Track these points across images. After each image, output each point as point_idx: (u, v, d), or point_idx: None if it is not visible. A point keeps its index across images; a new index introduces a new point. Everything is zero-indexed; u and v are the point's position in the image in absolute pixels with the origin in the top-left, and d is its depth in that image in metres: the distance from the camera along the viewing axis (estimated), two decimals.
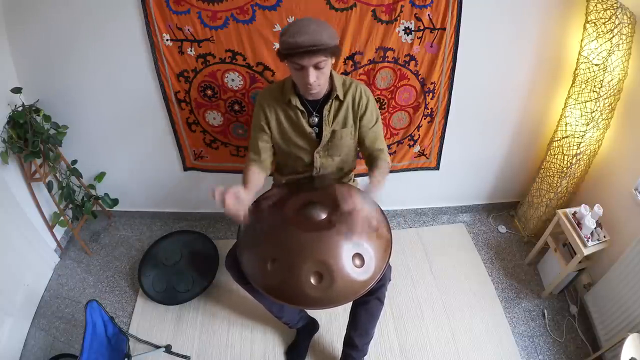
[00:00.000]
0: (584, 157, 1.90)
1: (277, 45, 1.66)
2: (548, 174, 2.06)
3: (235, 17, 1.59)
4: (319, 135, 1.44)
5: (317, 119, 1.42)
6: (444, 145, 2.11)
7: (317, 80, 1.25)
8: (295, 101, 1.38)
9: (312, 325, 1.86)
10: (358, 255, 1.19)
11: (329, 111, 1.41)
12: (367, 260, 1.20)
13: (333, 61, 1.30)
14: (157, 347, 1.79)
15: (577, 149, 1.84)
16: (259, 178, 1.41)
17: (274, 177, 1.71)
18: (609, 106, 1.75)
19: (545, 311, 2.00)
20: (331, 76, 1.36)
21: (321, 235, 1.19)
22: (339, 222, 1.21)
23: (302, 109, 1.39)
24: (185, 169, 2.16)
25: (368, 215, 1.16)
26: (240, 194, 1.18)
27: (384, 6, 1.59)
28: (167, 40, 1.65)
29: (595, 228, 1.78)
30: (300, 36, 1.15)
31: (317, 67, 1.22)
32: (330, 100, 1.39)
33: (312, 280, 1.15)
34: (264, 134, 1.44)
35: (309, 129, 1.42)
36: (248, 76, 1.75)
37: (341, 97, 1.39)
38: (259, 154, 1.45)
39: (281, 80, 1.45)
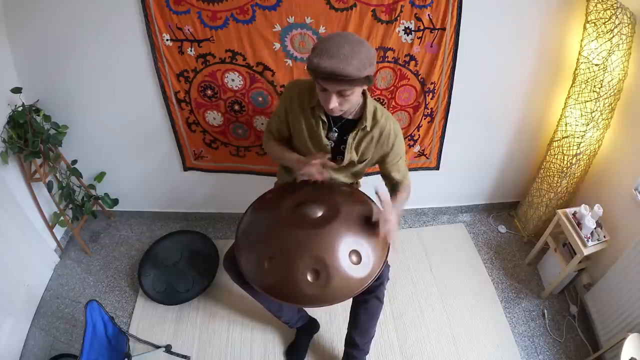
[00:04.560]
0: (584, 157, 1.90)
1: (277, 46, 1.66)
2: (548, 174, 2.06)
3: (235, 17, 1.59)
4: (334, 149, 1.40)
5: (335, 135, 1.36)
6: (444, 145, 2.11)
7: (340, 106, 1.19)
8: (320, 111, 1.31)
9: (312, 325, 1.86)
10: (355, 252, 1.19)
11: (354, 139, 1.35)
12: (364, 258, 1.19)
13: (365, 87, 1.23)
14: (157, 347, 1.79)
15: (577, 149, 1.84)
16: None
17: (277, 176, 1.70)
18: (609, 106, 1.75)
19: (545, 311, 2.00)
20: (365, 103, 1.30)
21: (317, 233, 1.19)
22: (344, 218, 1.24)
23: (324, 119, 1.33)
24: (185, 169, 2.16)
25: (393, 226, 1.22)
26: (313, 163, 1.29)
27: (384, 6, 1.59)
28: (167, 40, 1.65)
29: (595, 228, 1.78)
30: (325, 59, 1.05)
31: (340, 94, 1.15)
32: (357, 130, 1.33)
33: (309, 277, 1.15)
34: (284, 124, 1.43)
35: (325, 141, 1.36)
36: (248, 76, 1.75)
37: (368, 129, 1.33)
38: (276, 138, 1.48)
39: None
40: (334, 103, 1.16)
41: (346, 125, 1.35)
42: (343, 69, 1.05)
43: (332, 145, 1.39)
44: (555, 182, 2.00)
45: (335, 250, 1.17)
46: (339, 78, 1.07)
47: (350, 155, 1.38)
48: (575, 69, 1.78)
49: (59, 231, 2.23)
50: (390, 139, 1.36)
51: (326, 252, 1.16)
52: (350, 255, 1.18)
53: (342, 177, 1.52)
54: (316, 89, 1.22)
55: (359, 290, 1.19)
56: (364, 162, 1.43)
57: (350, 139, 1.35)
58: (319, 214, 1.25)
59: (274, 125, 1.46)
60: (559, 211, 1.90)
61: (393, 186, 1.49)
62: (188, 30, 1.62)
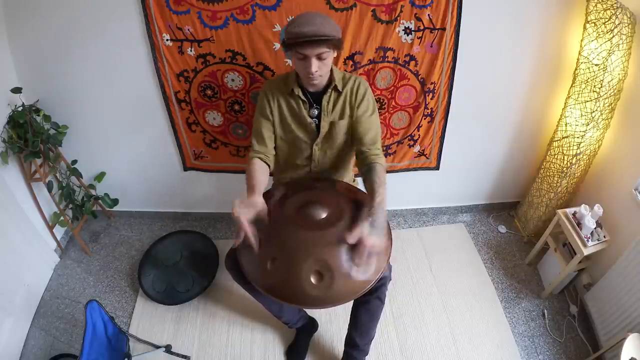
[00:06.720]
0: (584, 157, 1.90)
1: (277, 46, 1.67)
2: (548, 174, 2.06)
3: (235, 17, 1.59)
4: (319, 127, 1.47)
5: (317, 112, 1.45)
6: (444, 145, 2.11)
7: (319, 70, 1.30)
8: (298, 91, 1.42)
9: (312, 325, 1.86)
10: None
11: (328, 102, 1.44)
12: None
13: (335, 54, 1.34)
14: (157, 347, 1.79)
15: (577, 149, 1.84)
16: (265, 174, 1.41)
17: (273, 176, 1.71)
18: (609, 106, 1.75)
19: (545, 311, 2.00)
20: (332, 70, 1.41)
21: (321, 235, 1.19)
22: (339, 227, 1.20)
23: (304, 99, 1.43)
24: (185, 169, 2.16)
25: (374, 245, 1.13)
26: (248, 202, 1.25)
27: (384, 6, 1.59)
28: (167, 40, 1.65)
29: (595, 228, 1.78)
30: (306, 27, 1.21)
31: (319, 57, 1.27)
32: (330, 91, 1.42)
33: (312, 279, 1.14)
34: (268, 122, 1.47)
35: (309, 119, 1.45)
36: (248, 76, 1.76)
37: (339, 89, 1.43)
38: (264, 144, 1.46)
39: (285, 73, 1.50)
40: (314, 66, 1.27)
41: (322, 97, 1.44)
42: (322, 30, 1.22)
43: (317, 123, 1.47)
44: (555, 182, 2.00)
45: (339, 253, 1.16)
46: (321, 39, 1.21)
47: (328, 118, 1.46)
48: (575, 69, 1.78)
49: (59, 231, 2.23)
50: (360, 90, 1.45)
51: (330, 255, 1.16)
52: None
53: (327, 165, 1.56)
54: (294, 63, 1.32)
55: (361, 292, 1.19)
56: (343, 120, 1.46)
57: (324, 102, 1.44)
58: (323, 215, 1.25)
59: (260, 127, 1.47)
60: (559, 211, 1.90)
61: (367, 166, 1.37)
62: (188, 30, 1.62)
